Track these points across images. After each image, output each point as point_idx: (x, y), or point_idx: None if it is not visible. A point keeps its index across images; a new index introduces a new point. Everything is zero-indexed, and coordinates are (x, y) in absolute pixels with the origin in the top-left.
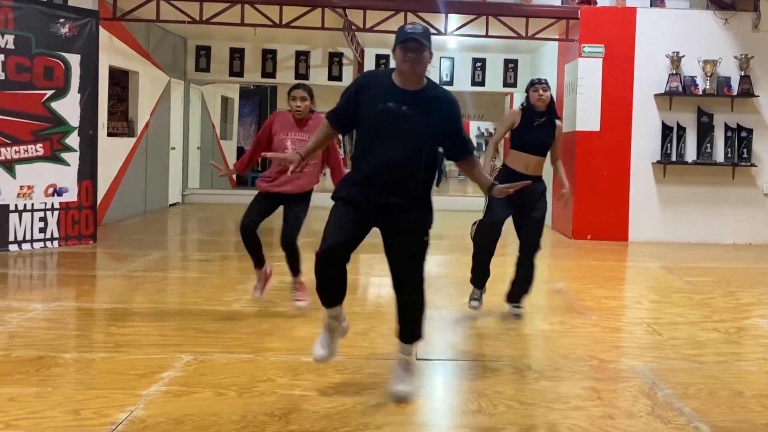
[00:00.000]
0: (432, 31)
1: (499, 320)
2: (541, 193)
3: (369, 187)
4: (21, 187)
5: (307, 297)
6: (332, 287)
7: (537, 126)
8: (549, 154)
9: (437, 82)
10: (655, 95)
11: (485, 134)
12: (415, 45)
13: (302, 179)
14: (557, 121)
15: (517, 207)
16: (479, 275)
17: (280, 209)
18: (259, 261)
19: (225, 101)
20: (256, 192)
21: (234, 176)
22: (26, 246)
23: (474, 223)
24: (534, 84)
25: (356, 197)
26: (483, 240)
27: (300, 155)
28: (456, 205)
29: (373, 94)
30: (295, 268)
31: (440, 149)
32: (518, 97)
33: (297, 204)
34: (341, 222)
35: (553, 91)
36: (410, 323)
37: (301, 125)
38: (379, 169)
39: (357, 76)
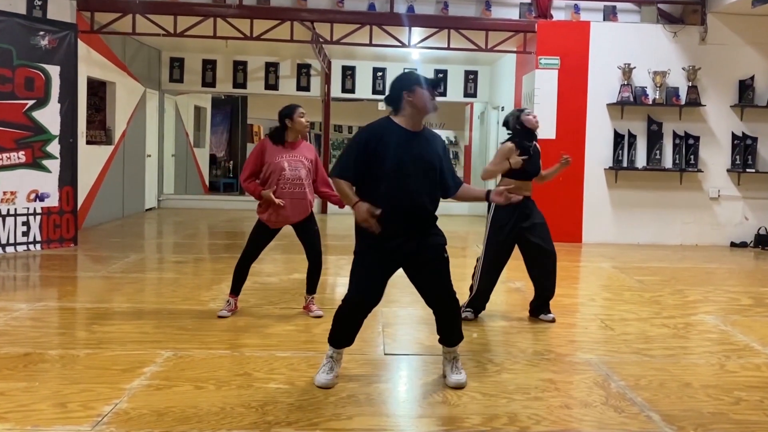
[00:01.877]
0: (397, 44)
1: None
2: (533, 205)
3: (395, 232)
4: (4, 193)
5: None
6: (351, 331)
7: (532, 153)
8: None
9: None
10: (608, 105)
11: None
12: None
13: (307, 201)
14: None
15: (518, 228)
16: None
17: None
18: (238, 290)
19: (198, 110)
20: (225, 196)
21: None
22: (10, 249)
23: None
24: (524, 110)
25: (383, 245)
26: (489, 265)
27: (358, 200)
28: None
29: (388, 142)
30: (315, 285)
31: None
32: (478, 107)
33: (308, 221)
34: (371, 272)
35: (512, 101)
36: (453, 330)
37: (293, 146)
38: (408, 210)
39: (361, 132)
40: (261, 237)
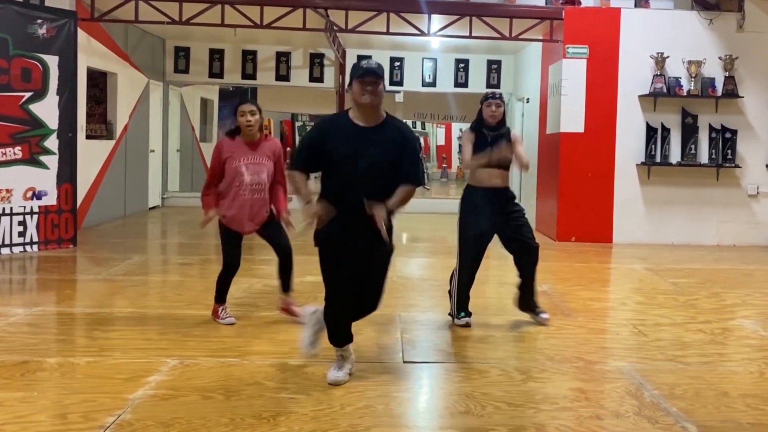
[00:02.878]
0: (416, 32)
1: (484, 323)
2: (511, 198)
3: (346, 230)
4: None
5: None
6: (341, 328)
7: (491, 141)
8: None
9: (420, 83)
10: (640, 96)
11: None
12: (372, 78)
13: (268, 208)
14: (512, 132)
15: (495, 219)
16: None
17: None
18: (224, 297)
19: (204, 103)
20: None
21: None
22: (5, 250)
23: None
24: (488, 98)
25: (339, 246)
26: (467, 256)
27: (309, 200)
28: (438, 208)
29: (336, 138)
30: (290, 282)
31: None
32: None
33: (271, 222)
34: (333, 269)
35: (537, 93)
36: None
37: (253, 147)
38: (351, 205)
39: (313, 126)
40: (231, 239)
